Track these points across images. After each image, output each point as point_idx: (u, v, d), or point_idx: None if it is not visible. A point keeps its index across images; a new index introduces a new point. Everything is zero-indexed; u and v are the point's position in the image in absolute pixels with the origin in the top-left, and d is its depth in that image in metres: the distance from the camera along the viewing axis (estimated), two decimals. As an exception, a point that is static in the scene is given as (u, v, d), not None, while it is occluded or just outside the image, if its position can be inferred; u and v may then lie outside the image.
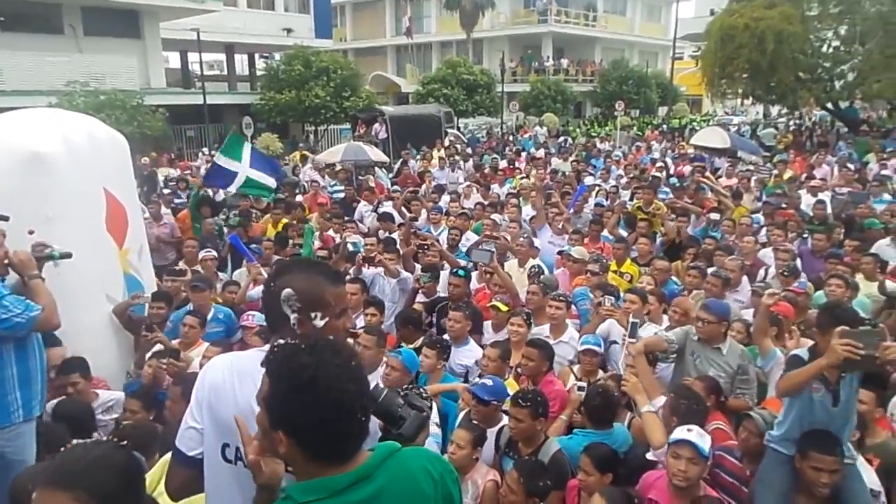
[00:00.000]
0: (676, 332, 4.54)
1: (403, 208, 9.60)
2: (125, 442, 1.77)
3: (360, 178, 13.52)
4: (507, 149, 20.84)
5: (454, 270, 5.95)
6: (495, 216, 8.61)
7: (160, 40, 23.87)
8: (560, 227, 7.98)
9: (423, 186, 12.46)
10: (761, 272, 6.71)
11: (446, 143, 20.11)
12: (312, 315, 1.80)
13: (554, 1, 36.88)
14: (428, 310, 5.88)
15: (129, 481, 1.57)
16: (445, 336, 4.97)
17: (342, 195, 11.55)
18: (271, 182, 8.89)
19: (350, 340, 4.95)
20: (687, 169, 14.25)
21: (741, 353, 4.30)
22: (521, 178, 13.07)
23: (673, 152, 18.79)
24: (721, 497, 3.20)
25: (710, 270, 6.17)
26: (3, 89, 18.29)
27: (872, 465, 3.35)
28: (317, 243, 8.14)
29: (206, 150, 20.48)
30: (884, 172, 12.95)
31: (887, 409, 3.96)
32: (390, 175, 15.09)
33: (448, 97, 27.40)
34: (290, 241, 7.69)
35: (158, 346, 4.71)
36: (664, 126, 29.68)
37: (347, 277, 6.12)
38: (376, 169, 14.43)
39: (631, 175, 13.07)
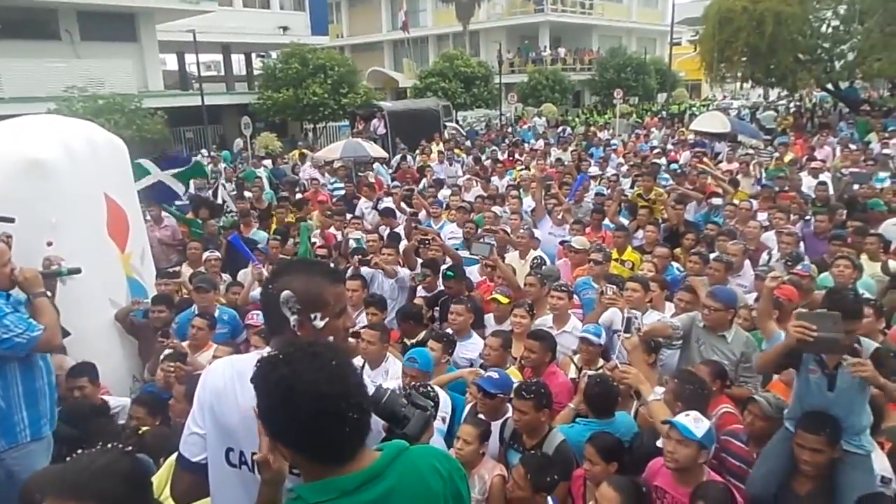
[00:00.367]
0: (682, 319, 4.55)
1: (403, 203, 9.59)
2: (131, 448, 1.78)
3: (360, 174, 13.52)
4: (507, 140, 20.79)
5: (444, 272, 5.97)
6: (496, 208, 8.60)
7: (157, 42, 23.82)
8: (560, 217, 7.97)
9: (423, 181, 12.45)
10: (764, 256, 6.69)
11: (446, 136, 20.08)
12: (312, 316, 1.79)
13: (549, -11, 36.73)
14: (429, 304, 5.89)
15: (137, 487, 1.58)
16: (449, 330, 4.98)
17: (342, 192, 11.55)
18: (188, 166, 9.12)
19: (352, 339, 4.99)
20: (686, 155, 14.21)
21: (746, 340, 4.29)
22: (522, 169, 13.05)
23: (673, 139, 18.71)
24: (728, 481, 3.21)
25: (712, 256, 6.16)
26: (2, 97, 18.32)
27: (884, 448, 3.34)
28: (319, 241, 8.14)
29: (205, 151, 20.47)
30: (885, 151, 12.89)
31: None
32: (390, 171, 15.07)
33: (446, 90, 27.32)
34: (292, 240, 7.68)
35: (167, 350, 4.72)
36: (663, 112, 29.53)
37: (348, 274, 6.15)
38: (375, 165, 14.43)
39: (631, 163, 13.03)
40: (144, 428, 3.65)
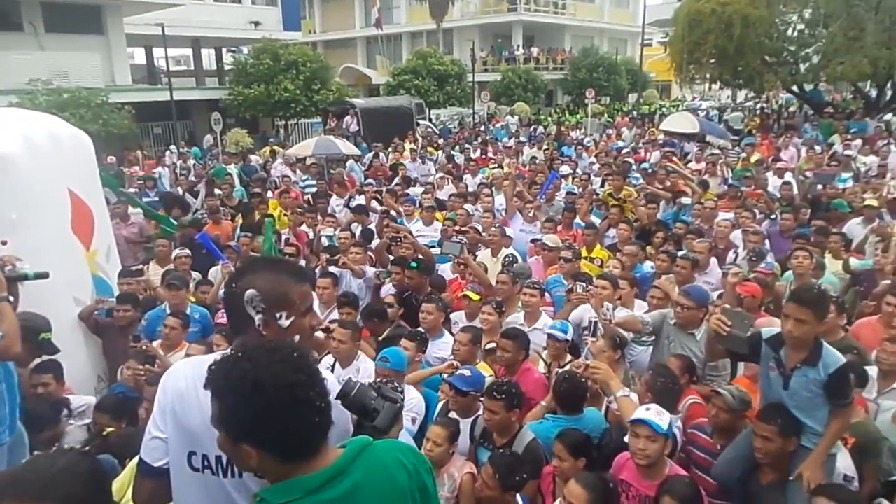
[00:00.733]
0: (653, 315, 4.62)
1: (375, 202, 9.54)
2: (91, 449, 1.74)
3: (332, 171, 13.42)
4: (479, 139, 20.85)
5: (408, 264, 5.98)
6: (467, 206, 8.62)
7: (124, 36, 23.33)
8: (531, 215, 8.01)
9: (397, 179, 12.41)
10: (730, 254, 6.82)
11: (419, 134, 20.04)
12: (278, 315, 1.77)
13: (523, -11, 36.89)
14: (399, 301, 5.87)
15: (98, 490, 1.55)
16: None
17: (314, 189, 11.45)
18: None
19: (321, 335, 4.95)
20: (656, 154, 14.40)
21: None
22: (494, 167, 13.09)
23: (643, 138, 18.96)
24: (694, 473, 3.27)
25: (679, 254, 6.26)
26: (-38, 89, 17.78)
27: (848, 444, 3.41)
28: (292, 239, 8.06)
29: (174, 147, 20.14)
30: (847, 153, 13.24)
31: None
32: (363, 168, 15.00)
33: (419, 88, 27.30)
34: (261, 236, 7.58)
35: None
36: (634, 112, 29.90)
37: (319, 272, 6.11)
38: (349, 162, 14.34)
39: (602, 162, 13.17)
40: (109, 429, 3.57)
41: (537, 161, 13.32)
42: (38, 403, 3.81)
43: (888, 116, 22.00)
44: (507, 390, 3.50)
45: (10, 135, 4.60)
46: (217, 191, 10.56)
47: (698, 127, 14.95)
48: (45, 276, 3.56)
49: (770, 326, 3.58)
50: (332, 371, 4.52)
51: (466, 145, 17.89)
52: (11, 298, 3.31)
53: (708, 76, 25.57)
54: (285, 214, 8.91)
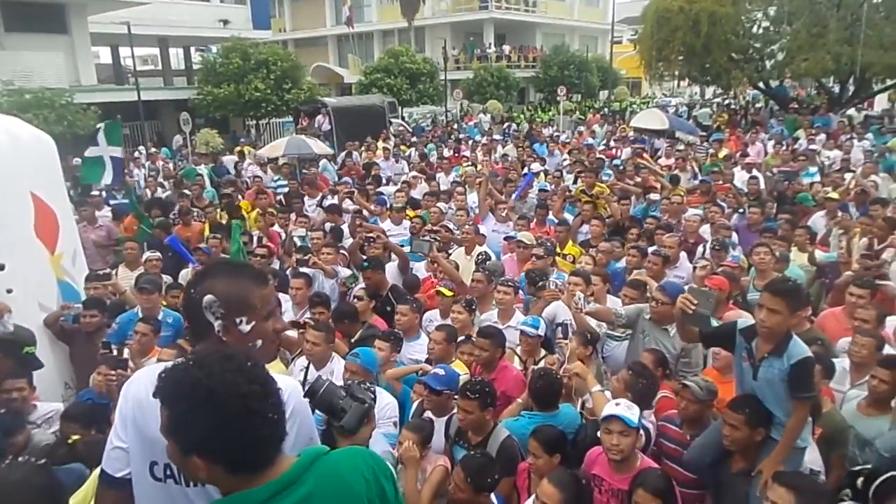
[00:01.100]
0: (629, 309, 4.68)
1: (348, 200, 9.49)
2: (46, 461, 1.70)
3: (305, 171, 13.31)
4: (452, 137, 20.86)
5: (361, 263, 5.95)
6: (440, 205, 8.62)
7: (89, 35, 22.83)
8: (504, 215, 8.05)
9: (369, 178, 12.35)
10: (700, 249, 6.93)
11: (391, 133, 19.98)
12: (238, 320, 1.73)
13: (494, -13, 36.99)
14: (370, 295, 5.84)
15: (53, 502, 1.52)
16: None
17: (286, 190, 11.34)
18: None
19: (293, 333, 4.91)
20: (626, 151, 14.57)
21: None
22: (468, 165, 13.12)
23: (615, 135, 19.16)
24: (665, 464, 3.32)
25: (650, 249, 6.35)
26: (-82, 90, 17.23)
27: (815, 434, 3.48)
28: (264, 240, 7.97)
29: (142, 148, 19.78)
30: (812, 147, 13.53)
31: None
32: (336, 167, 14.91)
33: (391, 87, 27.18)
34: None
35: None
36: (606, 109, 30.20)
37: (291, 273, 6.06)
38: (322, 161, 14.24)
39: (574, 160, 13.27)
40: (75, 437, 3.49)
41: (509, 158, 13.37)
42: (6, 410, 3.72)
43: (850, 112, 22.56)
44: (481, 389, 3.49)
45: (-32, 137, 4.48)
46: (186, 191, 10.41)
47: (668, 123, 15.16)
48: (0, 267, 3.46)
49: (738, 318, 3.66)
50: (307, 373, 4.50)
51: (440, 144, 17.90)
52: None
53: (676, 73, 25.95)
54: (261, 214, 8.82)
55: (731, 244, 6.63)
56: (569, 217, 8.11)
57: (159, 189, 12.38)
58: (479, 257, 6.45)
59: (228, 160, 16.38)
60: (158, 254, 6.70)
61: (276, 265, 6.94)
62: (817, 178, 10.24)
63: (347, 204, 9.32)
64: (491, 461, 3.12)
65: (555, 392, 3.69)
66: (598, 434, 3.27)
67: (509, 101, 33.12)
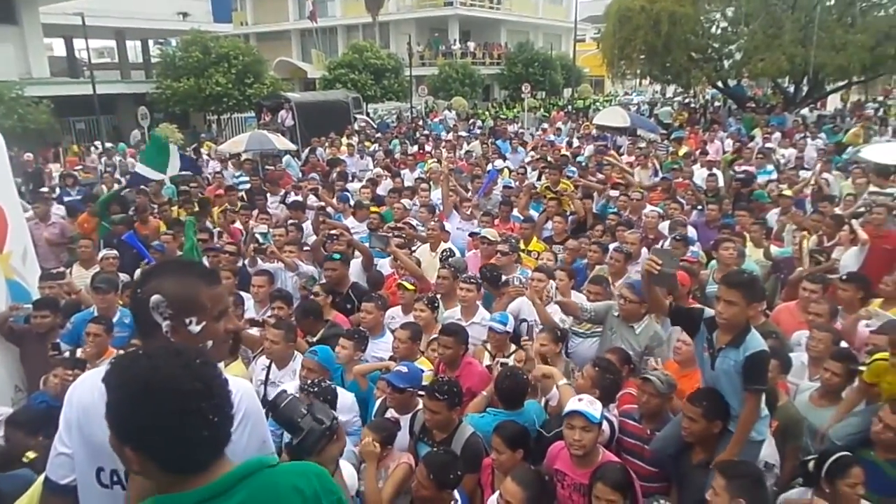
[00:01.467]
0: (599, 306, 4.74)
1: (313, 196, 9.39)
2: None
3: (268, 168, 13.12)
4: (418, 133, 20.80)
5: (328, 255, 5.91)
6: (405, 201, 8.58)
7: (40, 26, 22.10)
8: (469, 213, 8.07)
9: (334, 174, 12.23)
10: (659, 245, 7.04)
11: (356, 128, 19.83)
12: (187, 321, 1.69)
13: (458, -17, 36.98)
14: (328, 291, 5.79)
15: None
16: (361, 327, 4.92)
17: (248, 186, 11.16)
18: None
19: (255, 331, 4.83)
20: (590, 148, 14.73)
21: (653, 335, 4.49)
22: (433, 162, 13.09)
23: (578, 132, 19.36)
24: (625, 460, 3.36)
25: (612, 245, 6.43)
26: None
27: (772, 427, 3.56)
28: (226, 237, 7.84)
29: (98, 143, 19.24)
30: (768, 145, 13.88)
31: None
32: (300, 163, 14.73)
33: (356, 82, 26.99)
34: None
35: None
36: (570, 107, 30.49)
37: (249, 263, 5.96)
38: (286, 157, 14.05)
39: (538, 157, 13.37)
40: (30, 455, 3.32)
41: (474, 155, 13.40)
42: None
43: (805, 111, 23.22)
44: (449, 390, 3.49)
45: None
46: (144, 188, 10.12)
47: (629, 121, 15.38)
48: None
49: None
50: (268, 372, 4.43)
51: (404, 140, 17.83)
52: None
53: (638, 72, 26.32)
54: (222, 212, 8.66)
55: (691, 240, 6.76)
56: (534, 214, 8.16)
57: (116, 185, 12.03)
58: (444, 254, 6.44)
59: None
60: (115, 252, 6.51)
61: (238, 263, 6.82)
62: (774, 175, 10.50)
63: (312, 200, 9.22)
64: (454, 458, 3.12)
65: (521, 392, 3.71)
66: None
67: (474, 98, 33.19)
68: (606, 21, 25.12)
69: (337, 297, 5.58)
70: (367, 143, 17.07)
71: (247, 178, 11.71)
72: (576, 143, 16.88)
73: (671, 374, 3.76)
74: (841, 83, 24.21)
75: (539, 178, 10.36)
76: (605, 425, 3.34)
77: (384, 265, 6.59)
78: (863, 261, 6.05)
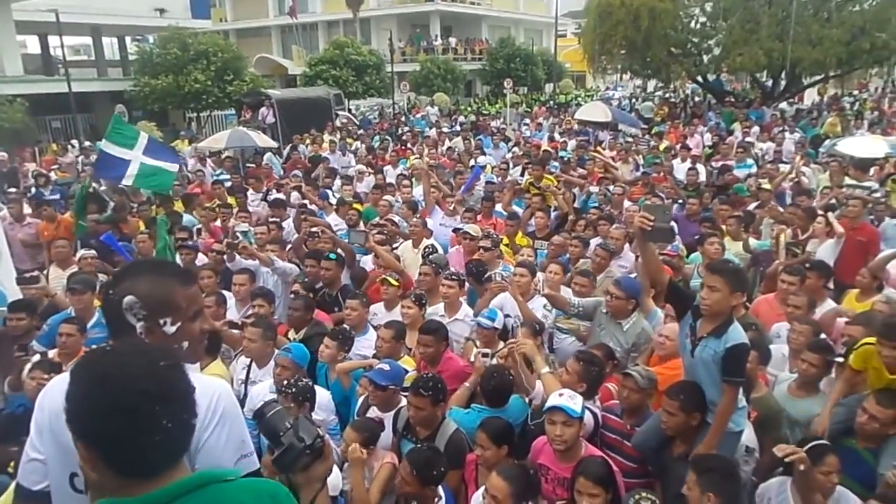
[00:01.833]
0: (588, 301, 4.76)
1: (296, 193, 9.33)
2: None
3: (249, 165, 13.01)
4: (400, 129, 20.74)
5: (325, 254, 5.89)
6: (388, 197, 8.56)
7: (13, 22, 21.74)
8: (451, 209, 8.06)
9: (317, 171, 12.16)
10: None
11: (338, 125, 19.73)
12: (161, 321, 1.66)
13: (439, -21, 36.92)
14: (307, 288, 5.77)
15: None
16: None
17: (229, 184, 11.05)
18: (173, 167, 8.29)
19: (235, 331, 4.79)
20: (572, 144, 14.78)
21: (640, 332, 4.50)
22: (415, 158, 13.06)
23: (560, 127, 19.42)
24: (605, 453, 3.38)
25: (596, 241, 6.47)
26: None
27: (751, 417, 3.59)
28: (205, 235, 7.76)
29: (75, 142, 18.95)
30: (747, 139, 14.02)
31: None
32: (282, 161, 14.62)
33: (337, 79, 26.81)
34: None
35: (37, 358, 4.32)
36: (551, 102, 30.57)
37: (235, 269, 5.91)
38: (268, 154, 13.94)
39: (521, 152, 13.39)
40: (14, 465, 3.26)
41: (456, 151, 13.39)
42: None
43: (783, 105, 23.50)
44: (434, 386, 3.47)
45: None
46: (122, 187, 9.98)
47: (611, 116, 15.47)
48: None
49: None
50: (249, 371, 4.40)
51: (386, 137, 17.77)
52: None
53: (619, 67, 26.47)
54: (204, 209, 8.57)
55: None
56: (518, 210, 8.17)
57: (94, 184, 11.85)
58: (426, 250, 6.43)
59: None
60: (94, 252, 6.42)
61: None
62: (754, 169, 10.62)
63: (295, 197, 9.16)
64: (437, 454, 3.12)
65: (506, 391, 3.71)
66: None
67: (456, 94, 33.17)
68: (587, 16, 25.23)
69: (318, 294, 5.56)
70: (349, 140, 16.99)
71: (227, 176, 11.60)
72: (558, 137, 16.93)
73: (651, 369, 3.77)
74: (818, 77, 24.52)
75: (522, 174, 10.37)
76: (589, 416, 3.36)
77: (366, 262, 6.57)
78: (838, 253, 6.15)
